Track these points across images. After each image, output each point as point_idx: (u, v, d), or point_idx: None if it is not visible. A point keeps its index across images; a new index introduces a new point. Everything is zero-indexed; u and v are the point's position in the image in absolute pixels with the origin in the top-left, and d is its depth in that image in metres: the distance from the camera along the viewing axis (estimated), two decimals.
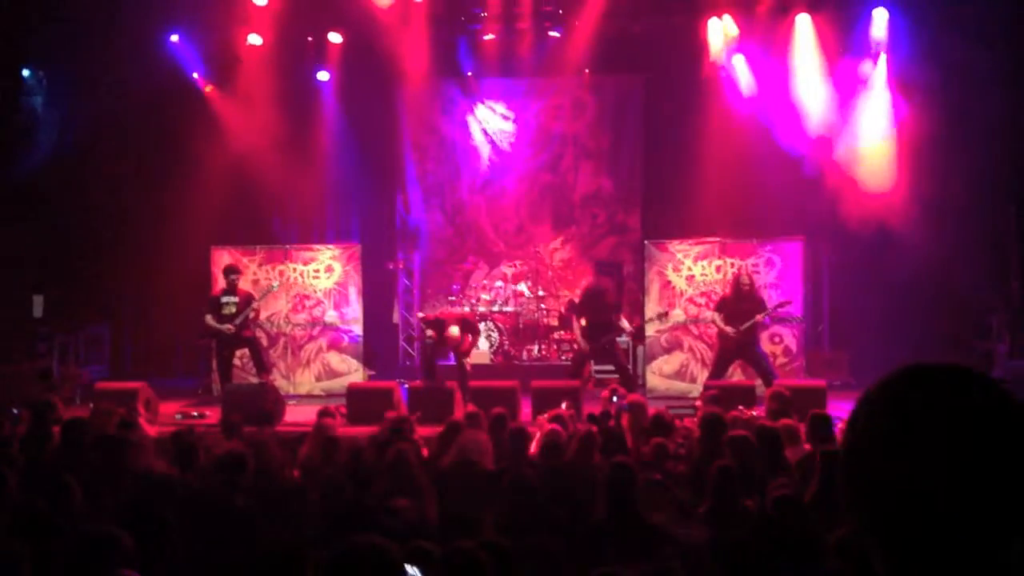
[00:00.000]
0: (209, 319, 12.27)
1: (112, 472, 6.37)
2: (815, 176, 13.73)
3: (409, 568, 3.59)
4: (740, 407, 9.10)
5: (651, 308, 13.53)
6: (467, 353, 12.25)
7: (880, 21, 13.66)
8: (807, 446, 7.03)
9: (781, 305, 12.26)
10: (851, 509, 1.35)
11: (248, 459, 5.96)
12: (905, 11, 13.30)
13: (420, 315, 13.19)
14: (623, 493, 4.95)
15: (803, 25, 13.95)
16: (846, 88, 13.88)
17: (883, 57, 13.71)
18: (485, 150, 16.49)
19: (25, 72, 14.55)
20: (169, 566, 4.21)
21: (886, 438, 1.31)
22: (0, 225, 13.55)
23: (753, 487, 5.54)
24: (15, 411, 8.77)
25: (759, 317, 11.78)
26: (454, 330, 11.90)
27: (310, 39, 15.12)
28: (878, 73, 13.78)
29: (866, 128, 13.68)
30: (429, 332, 12.06)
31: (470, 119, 16.53)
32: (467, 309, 14.65)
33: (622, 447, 7.25)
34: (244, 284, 13.15)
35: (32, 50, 14.16)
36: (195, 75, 15.04)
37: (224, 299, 12.33)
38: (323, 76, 15.39)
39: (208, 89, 15.15)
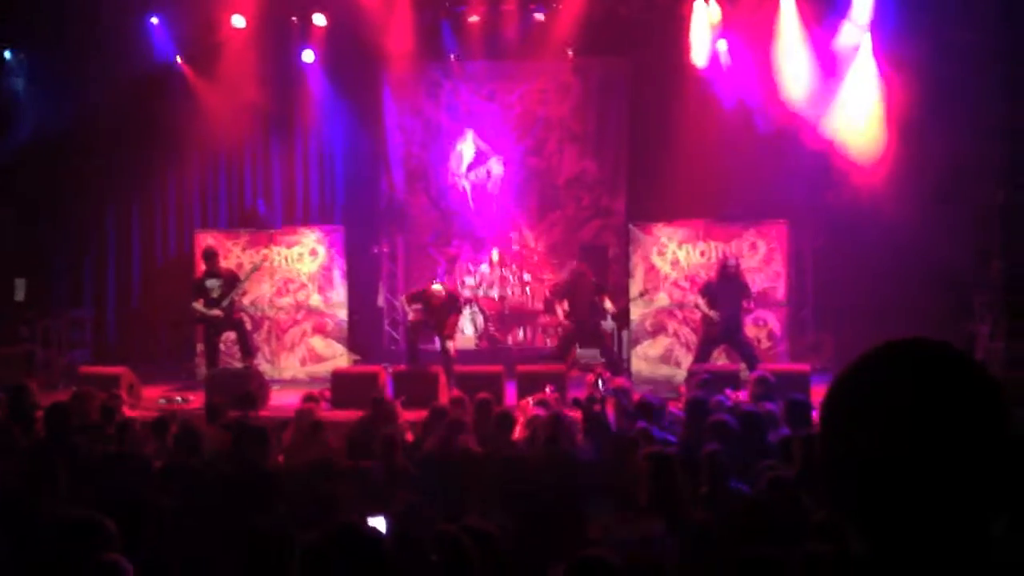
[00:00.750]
0: (196, 305, 12.19)
1: (96, 457, 6.36)
2: (797, 155, 13.71)
3: (372, 519, 3.59)
4: (727, 391, 9.12)
5: (635, 291, 13.56)
6: (451, 335, 12.28)
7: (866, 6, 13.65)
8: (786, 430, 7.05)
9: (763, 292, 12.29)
10: (828, 488, 1.36)
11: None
12: None
13: (402, 297, 13.19)
14: (666, 483, 4.96)
15: (787, 6, 13.93)
16: (831, 68, 13.87)
17: (867, 36, 13.70)
18: (469, 132, 16.45)
19: (6, 54, 14.43)
20: (153, 550, 4.20)
21: (858, 415, 1.31)
22: None
23: (738, 471, 5.57)
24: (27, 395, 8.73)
25: (746, 304, 11.79)
26: (437, 287, 12.18)
27: (294, 19, 15.03)
28: (862, 52, 13.76)
29: (850, 105, 13.68)
30: (412, 309, 12.11)
31: (454, 102, 16.48)
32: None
33: (606, 432, 7.27)
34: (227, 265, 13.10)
35: (13, 32, 14.04)
36: (177, 59, 14.94)
37: (208, 282, 12.25)
38: (308, 56, 15.26)
39: (190, 71, 15.05)
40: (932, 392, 1.28)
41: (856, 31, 13.75)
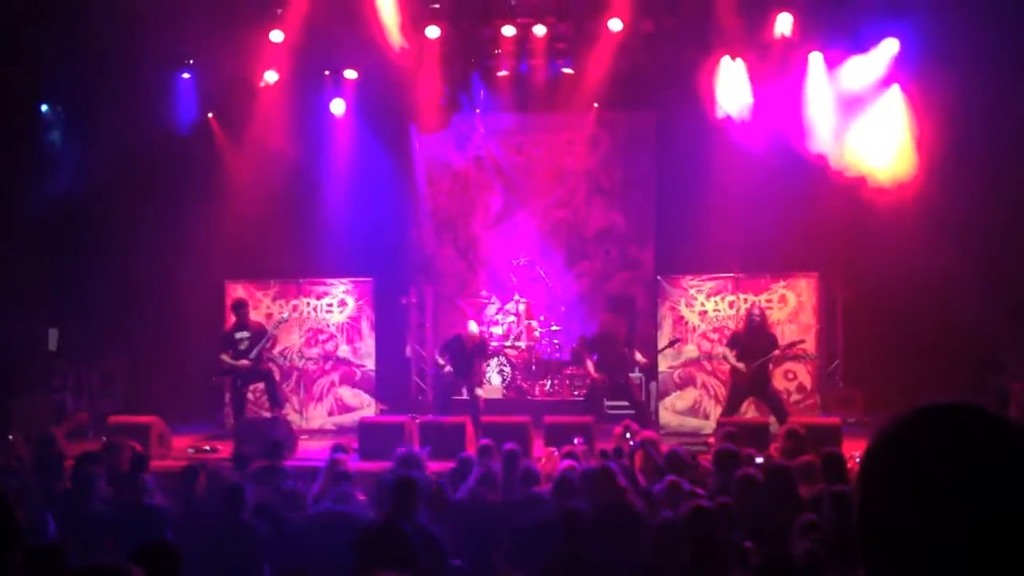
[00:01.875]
0: (225, 357, 12.28)
1: (124, 506, 6.37)
2: (827, 207, 13.67)
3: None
4: (751, 451, 9.02)
5: (663, 343, 13.50)
6: (480, 383, 12.32)
7: (891, 52, 13.65)
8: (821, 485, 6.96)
9: (793, 344, 12.16)
10: (865, 552, 1.33)
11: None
12: (916, 40, 13.28)
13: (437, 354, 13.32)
14: (706, 542, 4.88)
15: (816, 63, 13.97)
16: (860, 115, 13.86)
17: (895, 87, 13.71)
18: (497, 184, 16.56)
19: (44, 107, 14.70)
20: None
21: (896, 481, 1.30)
22: (17, 258, 13.63)
23: (758, 529, 5.49)
24: (9, 437, 8.79)
25: (777, 352, 11.72)
26: (473, 326, 12.70)
27: (327, 73, 15.24)
28: (890, 100, 13.76)
29: (879, 142, 13.63)
30: (443, 360, 12.27)
31: (483, 154, 16.61)
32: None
33: (634, 485, 7.20)
34: (257, 317, 13.21)
35: (50, 85, 14.31)
36: (209, 114, 15.20)
37: (238, 334, 12.35)
38: (338, 108, 15.45)
39: (222, 125, 15.27)
40: (979, 462, 1.26)
41: (885, 83, 13.77)
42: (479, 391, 12.41)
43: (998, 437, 1.28)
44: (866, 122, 13.79)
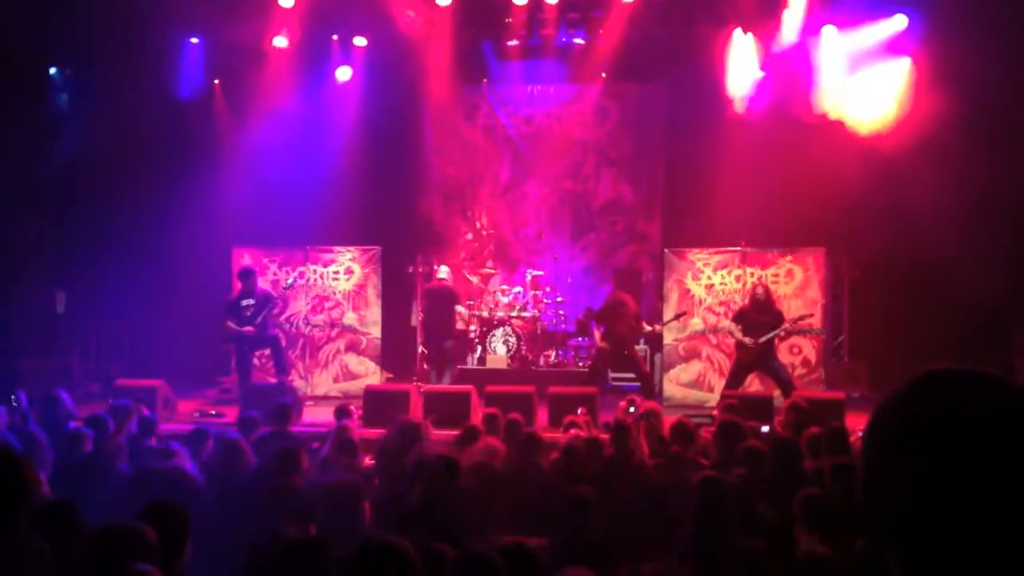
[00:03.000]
0: (230, 323, 12.31)
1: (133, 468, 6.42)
2: (836, 182, 13.63)
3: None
4: (754, 423, 9.06)
5: (669, 315, 13.51)
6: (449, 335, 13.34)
7: (902, 26, 13.58)
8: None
9: (801, 318, 12.15)
10: (868, 518, 1.33)
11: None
12: (929, 15, 13.21)
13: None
14: (714, 510, 4.91)
15: (828, 36, 13.89)
16: (871, 93, 13.81)
17: (907, 61, 13.64)
18: (505, 155, 16.54)
19: (52, 71, 14.67)
20: (191, 560, 4.24)
21: (900, 445, 1.29)
22: (24, 222, 13.67)
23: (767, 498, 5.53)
24: (12, 397, 8.83)
25: (786, 325, 11.71)
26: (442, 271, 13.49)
27: (335, 37, 15.17)
28: (902, 78, 13.70)
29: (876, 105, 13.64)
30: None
31: (492, 124, 16.58)
32: (485, 313, 14.64)
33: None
34: (264, 284, 13.24)
35: (58, 49, 14.28)
36: (215, 81, 15.18)
37: (243, 302, 12.38)
38: (344, 74, 15.43)
39: (229, 90, 15.24)
40: (982, 425, 1.25)
41: (896, 57, 13.70)
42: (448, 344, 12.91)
43: (1003, 402, 1.28)
44: (870, 81, 13.73)
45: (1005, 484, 1.23)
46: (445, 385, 12.67)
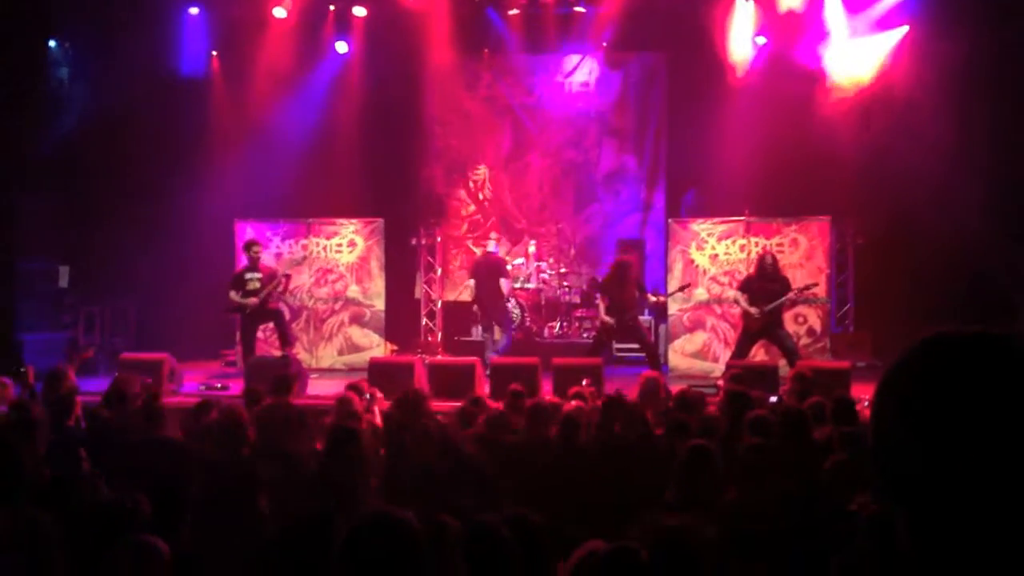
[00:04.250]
0: (233, 295, 12.30)
1: (135, 441, 6.41)
2: (840, 151, 13.56)
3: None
4: (763, 394, 9.04)
5: (673, 286, 13.47)
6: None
7: None
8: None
9: (807, 287, 12.06)
10: (878, 481, 1.32)
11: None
12: None
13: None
14: (698, 476, 4.91)
15: (831, 2, 13.76)
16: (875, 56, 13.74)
17: (905, 28, 13.57)
18: (507, 125, 16.47)
19: (51, 43, 14.58)
20: (189, 531, 4.23)
21: (909, 407, 1.28)
22: (27, 196, 13.63)
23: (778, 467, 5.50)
24: (22, 369, 8.82)
25: (791, 295, 11.65)
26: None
27: (332, 8, 15.07)
28: (903, 43, 13.64)
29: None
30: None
31: (493, 95, 16.48)
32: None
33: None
34: (268, 259, 13.21)
35: (58, 22, 14.18)
36: (213, 52, 15.10)
37: (248, 275, 12.35)
38: (340, 47, 15.39)
39: (229, 63, 15.16)
40: (990, 385, 1.24)
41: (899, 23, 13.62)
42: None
43: (1010, 363, 1.26)
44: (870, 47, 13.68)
45: (1014, 444, 1.22)
46: (498, 353, 12.69)
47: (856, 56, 13.68)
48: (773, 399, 8.83)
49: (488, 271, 13.41)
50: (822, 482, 5.06)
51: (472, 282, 13.51)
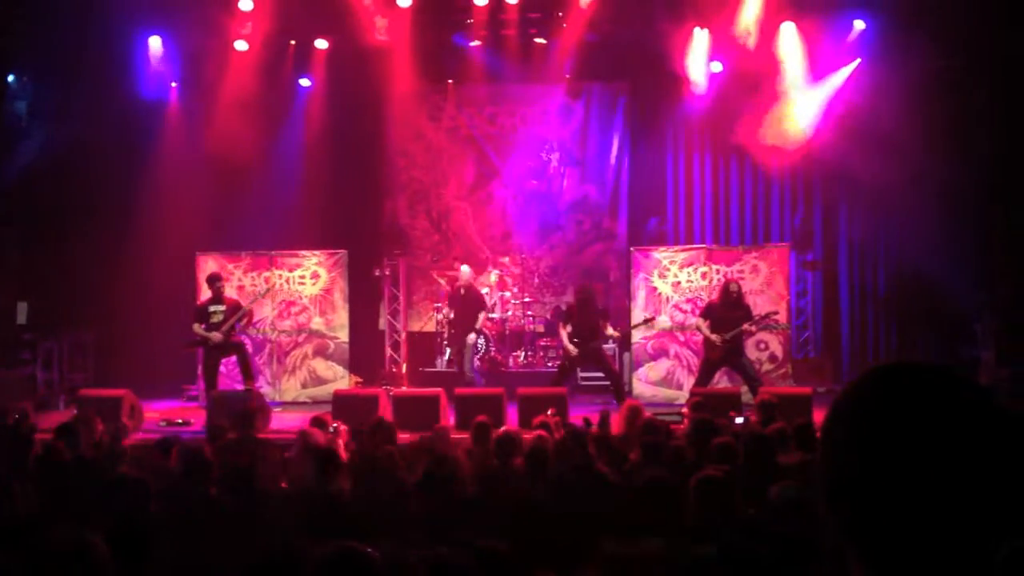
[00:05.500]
0: (197, 327, 12.20)
1: (97, 479, 6.33)
2: (798, 179, 13.75)
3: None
4: (731, 413, 9.10)
5: (637, 315, 13.53)
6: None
7: (858, 29, 13.75)
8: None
9: (768, 316, 12.15)
10: (829, 512, 1.32)
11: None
12: (882, 19, 13.34)
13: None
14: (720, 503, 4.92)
15: (787, 33, 13.97)
16: (827, 92, 13.93)
17: (857, 61, 13.81)
18: (469, 156, 16.53)
19: (10, 78, 14.47)
20: (152, 570, 4.18)
21: (859, 439, 1.29)
22: None
23: (745, 494, 5.52)
24: (16, 416, 8.74)
25: (747, 326, 11.74)
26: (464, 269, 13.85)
27: (292, 43, 15.10)
28: (853, 76, 13.87)
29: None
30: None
31: (456, 125, 16.55)
32: (452, 315, 14.65)
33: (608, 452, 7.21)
34: (230, 291, 13.11)
35: (16, 56, 14.09)
36: (172, 84, 15.05)
37: (212, 308, 12.25)
38: (304, 83, 15.47)
39: (191, 94, 15.11)
40: (942, 419, 1.25)
41: (850, 58, 13.85)
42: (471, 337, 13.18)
43: (962, 395, 1.28)
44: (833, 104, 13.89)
45: (957, 480, 1.23)
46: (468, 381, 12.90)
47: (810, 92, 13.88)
48: (739, 420, 8.90)
49: (467, 303, 13.46)
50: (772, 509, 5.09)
51: (451, 313, 13.57)
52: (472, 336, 13.41)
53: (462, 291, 13.66)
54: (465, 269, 13.91)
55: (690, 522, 4.93)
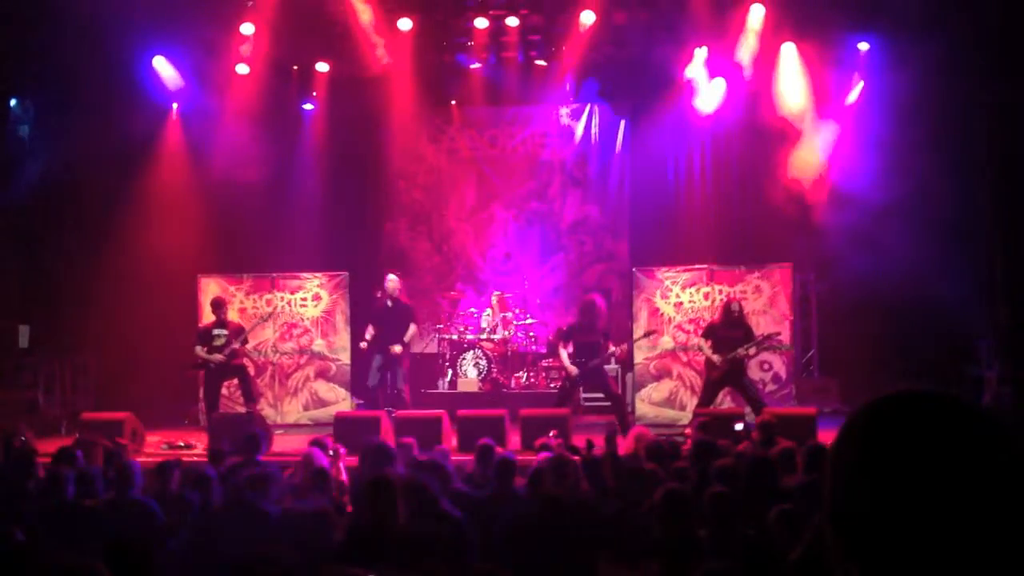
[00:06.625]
0: (199, 350, 12.20)
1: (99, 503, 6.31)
2: (801, 199, 13.75)
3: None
4: (733, 437, 9.08)
5: (639, 333, 13.48)
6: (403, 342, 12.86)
7: (862, 50, 13.81)
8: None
9: (769, 337, 12.09)
10: (833, 535, 1.33)
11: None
12: (884, 40, 13.40)
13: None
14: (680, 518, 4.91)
15: (788, 54, 14.02)
16: (831, 114, 13.96)
17: (861, 84, 13.86)
18: (471, 177, 16.56)
19: (12, 102, 14.52)
20: None
21: (868, 464, 1.29)
22: None
23: (747, 515, 5.51)
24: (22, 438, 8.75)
25: (746, 351, 11.67)
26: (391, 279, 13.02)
27: (295, 68, 15.16)
28: (858, 94, 13.91)
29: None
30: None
31: (456, 147, 16.59)
32: (455, 337, 14.63)
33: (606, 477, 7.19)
34: (232, 314, 13.10)
35: (18, 80, 14.14)
36: (174, 106, 15.07)
37: (215, 331, 12.27)
38: (307, 106, 15.54)
39: (194, 116, 15.15)
40: (951, 451, 1.26)
41: (854, 79, 13.90)
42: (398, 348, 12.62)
43: (965, 423, 1.28)
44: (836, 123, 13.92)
45: (964, 509, 1.23)
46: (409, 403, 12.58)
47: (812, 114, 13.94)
48: (739, 426, 8.91)
49: (395, 316, 12.94)
50: (770, 532, 5.07)
51: (370, 330, 12.96)
52: (399, 348, 12.71)
53: (389, 303, 12.95)
54: (392, 278, 13.08)
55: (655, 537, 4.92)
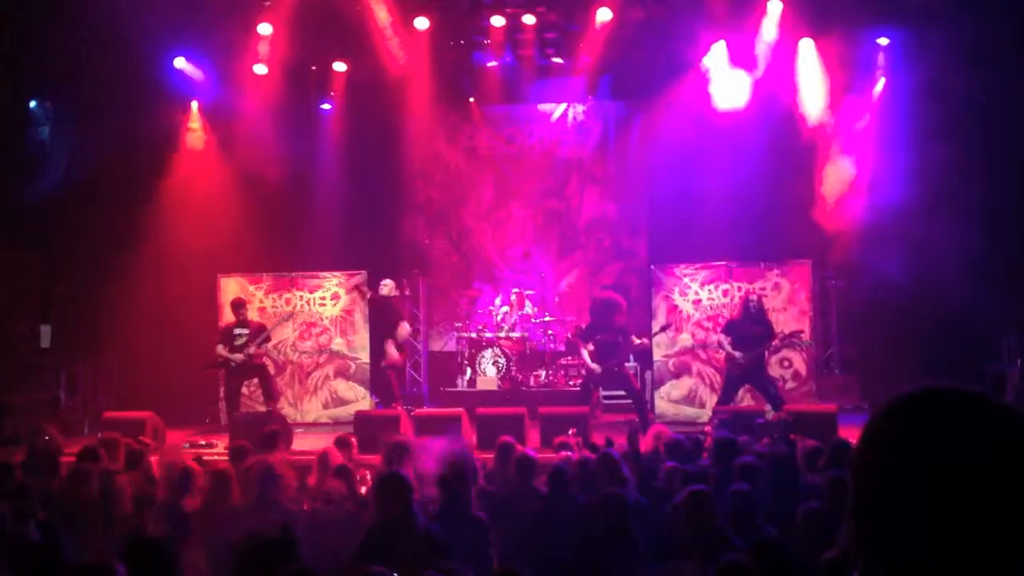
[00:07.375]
0: (220, 349, 12.28)
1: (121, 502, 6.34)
2: (820, 195, 13.69)
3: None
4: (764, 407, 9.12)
5: (656, 327, 13.44)
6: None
7: (883, 46, 13.73)
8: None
9: (793, 334, 12.04)
10: (858, 533, 1.33)
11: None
12: (907, 37, 13.31)
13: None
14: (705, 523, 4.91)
15: (806, 50, 13.95)
16: (850, 111, 13.88)
17: (883, 80, 13.77)
18: (489, 177, 16.56)
19: (32, 103, 14.60)
20: None
21: (892, 467, 1.29)
22: (8, 255, 13.57)
23: (767, 512, 5.49)
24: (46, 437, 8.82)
25: (768, 345, 11.67)
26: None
27: (314, 68, 15.20)
28: (880, 95, 13.83)
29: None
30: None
31: (474, 145, 16.60)
32: (473, 335, 14.63)
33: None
34: (252, 314, 13.17)
35: (39, 80, 14.21)
36: (194, 103, 15.11)
37: (237, 331, 12.35)
38: (325, 106, 15.59)
39: (213, 117, 15.19)
40: (968, 442, 1.26)
41: (875, 76, 13.82)
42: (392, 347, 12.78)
43: (990, 420, 1.28)
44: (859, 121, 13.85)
45: (989, 507, 1.23)
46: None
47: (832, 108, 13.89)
48: (769, 417, 8.91)
49: (386, 316, 13.20)
50: (796, 529, 5.06)
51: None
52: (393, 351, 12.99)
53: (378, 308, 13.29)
54: (386, 283, 13.31)
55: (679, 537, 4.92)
